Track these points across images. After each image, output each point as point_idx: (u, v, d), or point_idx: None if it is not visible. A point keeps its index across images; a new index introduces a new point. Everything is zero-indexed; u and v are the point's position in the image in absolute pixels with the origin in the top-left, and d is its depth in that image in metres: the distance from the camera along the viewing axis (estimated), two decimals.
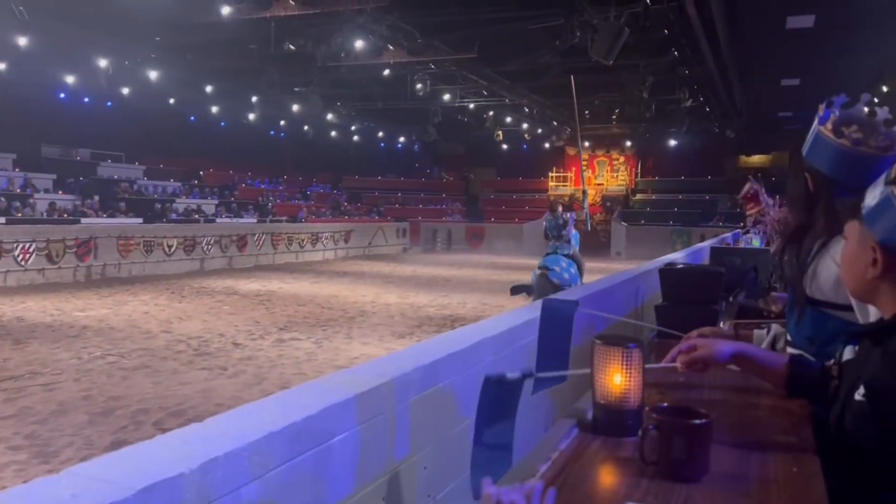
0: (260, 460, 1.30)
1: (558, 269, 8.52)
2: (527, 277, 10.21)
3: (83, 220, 18.44)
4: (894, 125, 1.87)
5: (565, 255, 8.77)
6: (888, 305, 1.25)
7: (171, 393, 6.83)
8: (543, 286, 8.24)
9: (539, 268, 8.60)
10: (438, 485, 2.05)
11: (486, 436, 1.58)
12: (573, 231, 9.12)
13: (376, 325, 10.84)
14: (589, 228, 13.37)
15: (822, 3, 11.65)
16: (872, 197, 1.25)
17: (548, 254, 8.76)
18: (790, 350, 2.04)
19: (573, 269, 8.57)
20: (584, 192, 13.69)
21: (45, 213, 18.62)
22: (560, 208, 10.40)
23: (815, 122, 1.98)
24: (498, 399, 1.58)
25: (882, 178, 1.24)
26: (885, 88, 16.17)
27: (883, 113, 1.88)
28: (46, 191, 20.52)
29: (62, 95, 21.47)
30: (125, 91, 19.51)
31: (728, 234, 11.44)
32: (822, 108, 1.97)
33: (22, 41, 13.66)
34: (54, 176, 21.38)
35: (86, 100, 22.03)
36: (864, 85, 14.32)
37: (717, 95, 19.83)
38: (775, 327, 2.50)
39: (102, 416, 6.07)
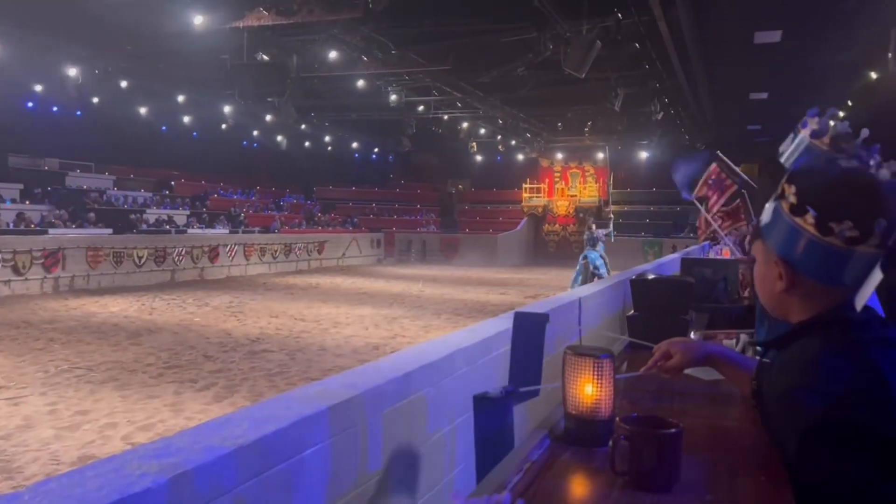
0: (230, 474, 1.29)
1: (594, 258, 15.14)
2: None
3: (51, 231, 18.13)
4: (854, 140, 1.91)
5: (598, 254, 15.28)
6: (798, 317, 1.29)
7: (139, 406, 6.72)
8: (586, 270, 14.99)
9: (582, 259, 15.49)
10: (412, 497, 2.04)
11: (488, 450, 1.60)
12: (603, 243, 15.83)
13: (350, 337, 10.78)
14: (612, 240, 17.37)
15: (788, 18, 11.89)
16: (766, 214, 1.30)
17: (587, 253, 15.38)
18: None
19: (602, 261, 15.14)
20: (611, 218, 18.24)
21: (11, 224, 18.27)
22: (594, 227, 16.42)
23: (804, 133, 1.99)
24: (490, 416, 1.62)
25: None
26: (849, 102, 16.52)
27: (843, 126, 1.92)
28: (13, 201, 20.14)
29: (30, 104, 21.11)
30: (95, 100, 19.21)
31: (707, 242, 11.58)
32: (815, 122, 1.98)
33: None
34: (21, 186, 21.00)
35: (54, 109, 21.69)
36: (830, 99, 14.62)
37: (687, 108, 20.10)
38: (744, 337, 2.54)
39: (69, 431, 5.96)
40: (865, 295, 1.21)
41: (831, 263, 1.20)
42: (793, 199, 1.22)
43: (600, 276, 14.09)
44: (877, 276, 1.20)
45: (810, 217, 1.19)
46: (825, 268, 1.21)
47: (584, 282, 13.97)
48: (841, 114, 2.03)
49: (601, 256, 15.43)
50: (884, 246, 1.18)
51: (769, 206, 1.29)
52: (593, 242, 15.59)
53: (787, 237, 1.23)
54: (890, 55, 11.24)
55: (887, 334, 1.23)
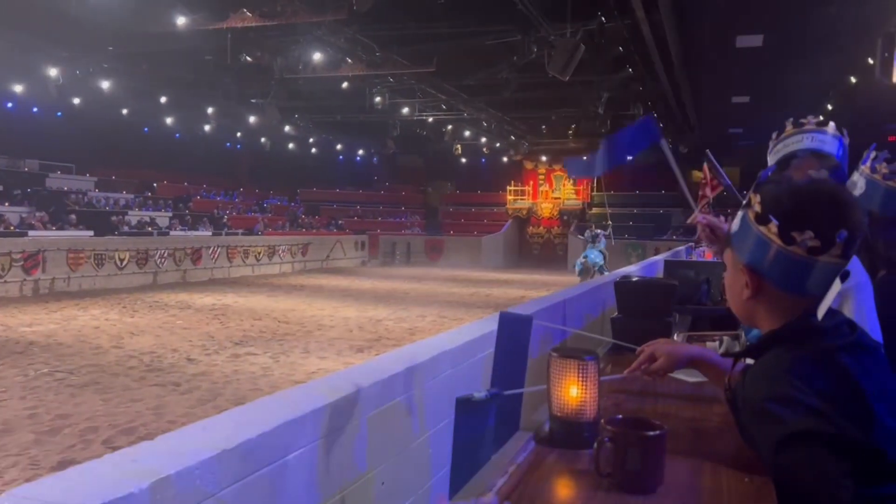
0: (213, 478, 1.27)
1: (593, 256, 17.36)
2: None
3: (31, 233, 17.92)
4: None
5: (598, 251, 17.55)
6: (765, 326, 1.30)
7: (121, 410, 6.66)
8: (585, 266, 17.17)
9: (583, 257, 17.71)
10: (396, 500, 2.03)
11: (465, 456, 1.58)
12: (604, 240, 18.17)
13: (334, 339, 10.75)
14: (612, 242, 18.96)
15: (770, 23, 12.01)
16: (735, 223, 1.32)
17: (587, 251, 17.76)
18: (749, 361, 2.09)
19: (601, 258, 17.33)
20: (609, 226, 19.41)
21: None
22: (593, 227, 19.67)
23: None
24: (472, 419, 1.60)
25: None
26: (829, 107, 16.71)
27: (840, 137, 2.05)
28: None
29: (10, 105, 20.87)
30: (76, 101, 19.04)
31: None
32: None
33: None
34: (0, 187, 20.74)
35: (35, 109, 21.45)
36: (811, 103, 14.78)
37: (670, 112, 20.25)
38: (727, 339, 2.56)
39: (49, 435, 5.89)
40: (827, 303, 1.22)
41: (794, 272, 1.22)
42: (757, 208, 1.24)
43: (602, 273, 16.03)
44: (837, 286, 1.21)
45: (773, 226, 1.21)
46: (789, 277, 1.23)
47: (585, 279, 15.96)
48: (821, 117, 2.09)
49: (601, 252, 17.79)
50: (846, 256, 1.19)
51: (738, 215, 1.31)
52: (594, 240, 18.11)
53: (753, 246, 1.25)
54: (871, 61, 11.38)
55: (858, 339, 1.23)
